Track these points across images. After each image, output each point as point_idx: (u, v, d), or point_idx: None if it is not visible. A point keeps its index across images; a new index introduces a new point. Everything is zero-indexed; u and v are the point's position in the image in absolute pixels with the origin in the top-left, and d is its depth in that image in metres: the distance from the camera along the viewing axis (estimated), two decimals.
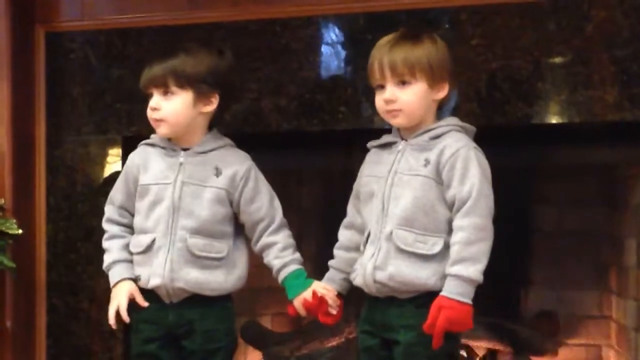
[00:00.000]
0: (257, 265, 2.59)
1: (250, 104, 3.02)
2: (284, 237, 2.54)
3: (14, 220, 3.07)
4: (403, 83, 2.34)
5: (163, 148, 2.56)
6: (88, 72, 3.18)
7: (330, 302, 2.48)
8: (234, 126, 2.84)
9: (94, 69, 3.18)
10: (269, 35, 3.02)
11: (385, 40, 2.40)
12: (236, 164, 2.54)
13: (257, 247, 2.55)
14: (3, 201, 3.10)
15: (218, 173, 2.53)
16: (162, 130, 2.53)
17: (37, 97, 3.23)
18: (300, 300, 2.49)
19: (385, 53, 2.36)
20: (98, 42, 3.17)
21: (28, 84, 3.21)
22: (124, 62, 2.99)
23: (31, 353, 3.21)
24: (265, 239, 2.54)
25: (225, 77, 2.57)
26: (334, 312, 2.49)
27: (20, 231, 3.07)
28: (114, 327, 2.53)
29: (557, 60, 2.80)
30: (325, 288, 2.48)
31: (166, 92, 2.50)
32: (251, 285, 2.79)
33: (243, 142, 2.61)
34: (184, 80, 2.49)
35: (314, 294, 2.47)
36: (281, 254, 2.52)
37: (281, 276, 2.52)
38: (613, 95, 2.74)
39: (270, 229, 2.54)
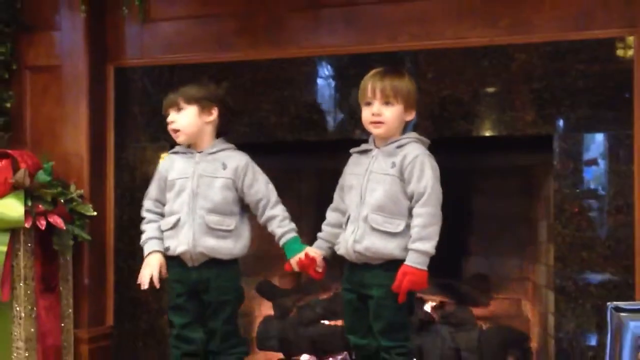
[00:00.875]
0: (268, 240, 2.68)
1: (262, 120, 3.06)
2: (281, 211, 2.63)
3: (90, 205, 3.20)
4: (387, 103, 2.44)
5: (184, 153, 2.71)
6: (145, 97, 3.28)
7: (318, 262, 2.56)
8: (249, 136, 2.89)
9: (149, 94, 3.27)
10: (278, 70, 3.09)
11: (377, 70, 2.54)
12: (238, 160, 2.65)
13: (261, 220, 2.65)
14: (82, 191, 3.20)
15: (224, 167, 2.61)
16: (179, 138, 2.66)
17: (108, 115, 3.33)
18: (296, 259, 2.58)
19: (377, 79, 2.47)
20: (153, 74, 3.25)
21: (101, 105, 3.31)
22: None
23: (103, 302, 3.32)
24: (267, 213, 2.62)
25: (221, 96, 2.70)
26: (320, 270, 2.59)
27: (95, 213, 3.20)
28: (145, 288, 2.59)
29: (490, 89, 2.85)
30: (315, 252, 2.57)
31: (178, 109, 2.65)
32: (264, 254, 2.82)
33: (256, 148, 2.74)
34: (190, 98, 2.64)
35: (307, 255, 2.57)
36: (281, 224, 2.61)
37: (282, 241, 2.62)
38: (531, 116, 2.83)
39: (269, 205, 2.62)
